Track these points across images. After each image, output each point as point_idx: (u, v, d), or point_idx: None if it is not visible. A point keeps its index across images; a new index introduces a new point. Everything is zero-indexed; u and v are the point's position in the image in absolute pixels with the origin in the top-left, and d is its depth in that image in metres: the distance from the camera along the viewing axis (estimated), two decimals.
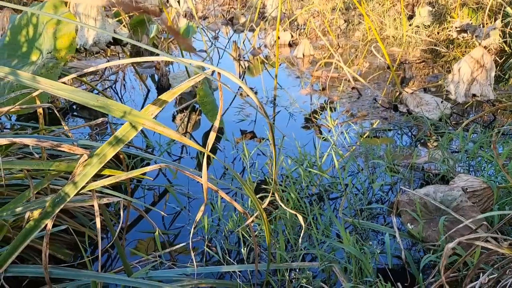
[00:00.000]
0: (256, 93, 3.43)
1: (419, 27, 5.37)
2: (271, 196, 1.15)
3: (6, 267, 0.97)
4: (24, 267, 1.03)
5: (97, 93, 3.21)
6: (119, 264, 1.44)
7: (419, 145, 2.36)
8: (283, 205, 0.92)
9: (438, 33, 5.31)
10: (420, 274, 1.19)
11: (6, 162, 0.89)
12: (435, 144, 2.33)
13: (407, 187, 1.80)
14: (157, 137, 2.46)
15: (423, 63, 4.41)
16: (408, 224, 1.35)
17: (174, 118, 2.91)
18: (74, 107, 3.03)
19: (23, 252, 1.26)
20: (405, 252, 1.28)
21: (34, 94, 0.92)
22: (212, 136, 0.99)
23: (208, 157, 0.97)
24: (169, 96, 0.94)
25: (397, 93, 3.16)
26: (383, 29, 5.60)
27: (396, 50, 4.82)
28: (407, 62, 4.36)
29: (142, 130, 2.58)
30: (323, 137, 2.41)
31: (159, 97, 0.93)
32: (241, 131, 2.60)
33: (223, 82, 0.90)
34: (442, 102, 2.79)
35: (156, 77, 3.68)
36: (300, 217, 0.94)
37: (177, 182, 1.97)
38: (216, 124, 1.00)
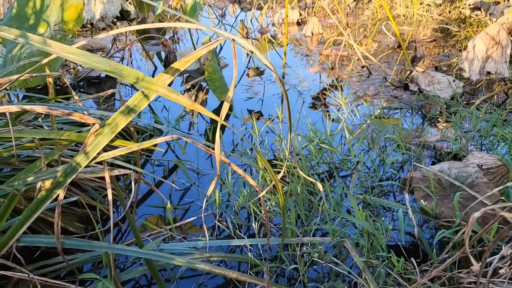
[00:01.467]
0: (263, 71, 3.39)
1: (430, 5, 5.25)
2: (283, 172, 1.13)
3: (18, 236, 0.97)
4: (36, 237, 1.03)
5: None
6: (129, 238, 1.44)
7: (430, 124, 2.33)
8: (300, 171, 0.90)
9: (449, 11, 5.20)
10: (434, 250, 1.18)
11: (16, 131, 0.88)
12: (446, 123, 2.30)
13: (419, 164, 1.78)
14: (165, 113, 2.44)
15: (434, 42, 4.33)
16: (422, 201, 1.33)
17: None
18: (81, 83, 3.01)
19: (35, 224, 1.26)
20: (417, 229, 1.26)
21: (44, 61, 0.90)
22: (226, 106, 0.97)
23: (215, 136, 0.95)
24: (182, 64, 0.91)
25: (408, 72, 3.11)
26: (393, 7, 5.49)
27: (406, 29, 4.73)
28: (417, 41, 4.28)
29: (150, 107, 2.56)
30: (331, 118, 2.38)
31: (171, 65, 0.91)
32: (249, 110, 2.57)
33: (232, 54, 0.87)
34: (454, 81, 2.74)
35: (163, 55, 3.64)
36: (319, 185, 0.92)
37: (186, 158, 1.96)
38: (230, 94, 0.97)
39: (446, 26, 4.66)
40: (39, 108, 0.82)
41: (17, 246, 1.02)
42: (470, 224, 0.71)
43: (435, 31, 4.63)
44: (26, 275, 1.03)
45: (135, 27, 0.88)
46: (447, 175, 1.34)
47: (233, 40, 0.89)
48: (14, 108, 0.81)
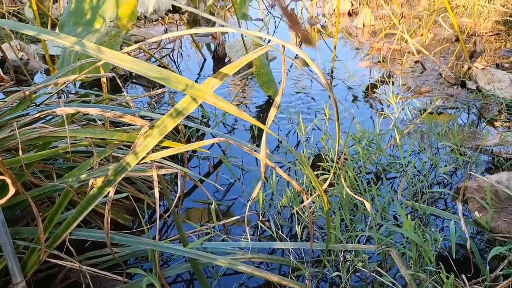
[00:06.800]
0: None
1: None
2: (328, 176, 1.10)
3: (71, 230, 1.01)
4: (88, 231, 1.07)
5: (154, 61, 3.26)
6: (174, 232, 1.48)
7: (488, 126, 2.20)
8: (349, 190, 0.88)
9: None
10: (487, 267, 1.11)
11: (72, 131, 0.92)
12: (506, 125, 2.16)
13: (474, 171, 1.68)
14: (213, 107, 2.47)
15: (495, 36, 4.06)
16: (476, 212, 1.26)
17: (227, 86, 2.90)
18: (133, 74, 3.10)
19: (86, 215, 1.31)
20: (470, 242, 1.20)
21: (99, 64, 0.93)
22: (273, 112, 0.96)
23: (262, 130, 0.95)
24: (230, 69, 0.91)
25: (466, 68, 2.94)
26: None
27: (465, 21, 4.47)
28: (477, 34, 4.04)
29: None
30: (384, 114, 2.30)
31: (220, 70, 0.90)
32: (295, 106, 2.54)
33: (275, 49, 0.86)
34: None
35: (213, 46, 3.67)
36: (367, 204, 0.89)
37: (231, 153, 1.97)
38: (278, 100, 0.96)
39: (510, 18, 4.36)
40: (93, 111, 0.84)
41: (70, 238, 1.06)
42: None
43: (497, 24, 4.34)
44: (77, 265, 1.08)
45: (185, 32, 0.88)
46: (505, 187, 1.26)
47: (283, 46, 0.87)
48: (70, 110, 0.84)
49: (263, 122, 0.92)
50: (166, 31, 3.69)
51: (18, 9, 4.47)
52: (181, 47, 3.69)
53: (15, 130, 0.83)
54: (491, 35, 4.05)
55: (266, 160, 1.00)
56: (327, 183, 0.96)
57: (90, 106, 1.04)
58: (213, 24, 4.35)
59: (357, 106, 2.51)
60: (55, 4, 4.07)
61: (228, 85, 2.95)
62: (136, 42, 3.33)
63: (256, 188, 0.98)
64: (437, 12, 4.86)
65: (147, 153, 0.98)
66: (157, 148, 1.16)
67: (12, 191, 0.61)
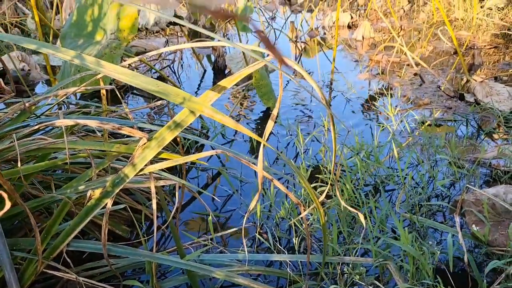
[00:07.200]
0: (311, 73, 3.35)
1: (491, 9, 4.97)
2: (325, 188, 1.11)
3: (68, 241, 1.02)
4: (85, 242, 1.07)
5: (155, 72, 3.28)
6: (172, 243, 1.48)
7: (486, 138, 2.20)
8: (345, 204, 0.88)
9: None
10: (485, 280, 1.11)
11: (70, 142, 0.92)
12: (505, 137, 2.17)
13: (472, 184, 1.69)
14: (212, 119, 2.48)
15: (493, 49, 4.09)
16: (473, 226, 1.26)
17: (227, 97, 2.91)
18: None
19: (85, 226, 1.32)
20: (468, 256, 1.20)
21: (99, 76, 0.94)
22: (270, 125, 0.97)
23: (260, 142, 0.96)
24: (228, 82, 0.92)
25: (464, 81, 2.96)
26: (451, 10, 5.25)
27: (464, 34, 4.51)
28: (475, 47, 4.07)
29: None
30: (382, 126, 2.31)
31: (218, 83, 0.91)
32: (294, 118, 2.55)
33: (273, 66, 0.86)
34: None
35: (213, 58, 3.69)
36: (361, 216, 0.90)
37: (230, 165, 1.98)
38: (275, 112, 0.97)
39: (509, 32, 4.40)
40: (92, 123, 0.85)
41: (67, 249, 1.07)
42: None
43: (496, 37, 4.38)
44: (74, 276, 1.08)
45: (185, 45, 0.89)
46: (502, 200, 1.26)
47: (281, 61, 0.88)
48: (69, 122, 0.85)
49: (262, 134, 0.93)
50: (167, 42, 3.73)
51: (21, 20, 4.51)
52: (181, 58, 3.72)
53: (14, 141, 0.84)
54: (490, 48, 4.08)
55: (263, 172, 1.00)
56: (323, 196, 0.96)
57: (89, 118, 1.05)
58: (212, 39, 4.39)
59: (356, 118, 2.52)
60: (58, 16, 4.12)
61: (229, 95, 2.97)
62: (137, 53, 3.35)
63: (253, 200, 0.99)
64: (436, 25, 4.90)
65: (145, 165, 0.98)
66: (156, 159, 1.17)
67: (8, 205, 0.61)
